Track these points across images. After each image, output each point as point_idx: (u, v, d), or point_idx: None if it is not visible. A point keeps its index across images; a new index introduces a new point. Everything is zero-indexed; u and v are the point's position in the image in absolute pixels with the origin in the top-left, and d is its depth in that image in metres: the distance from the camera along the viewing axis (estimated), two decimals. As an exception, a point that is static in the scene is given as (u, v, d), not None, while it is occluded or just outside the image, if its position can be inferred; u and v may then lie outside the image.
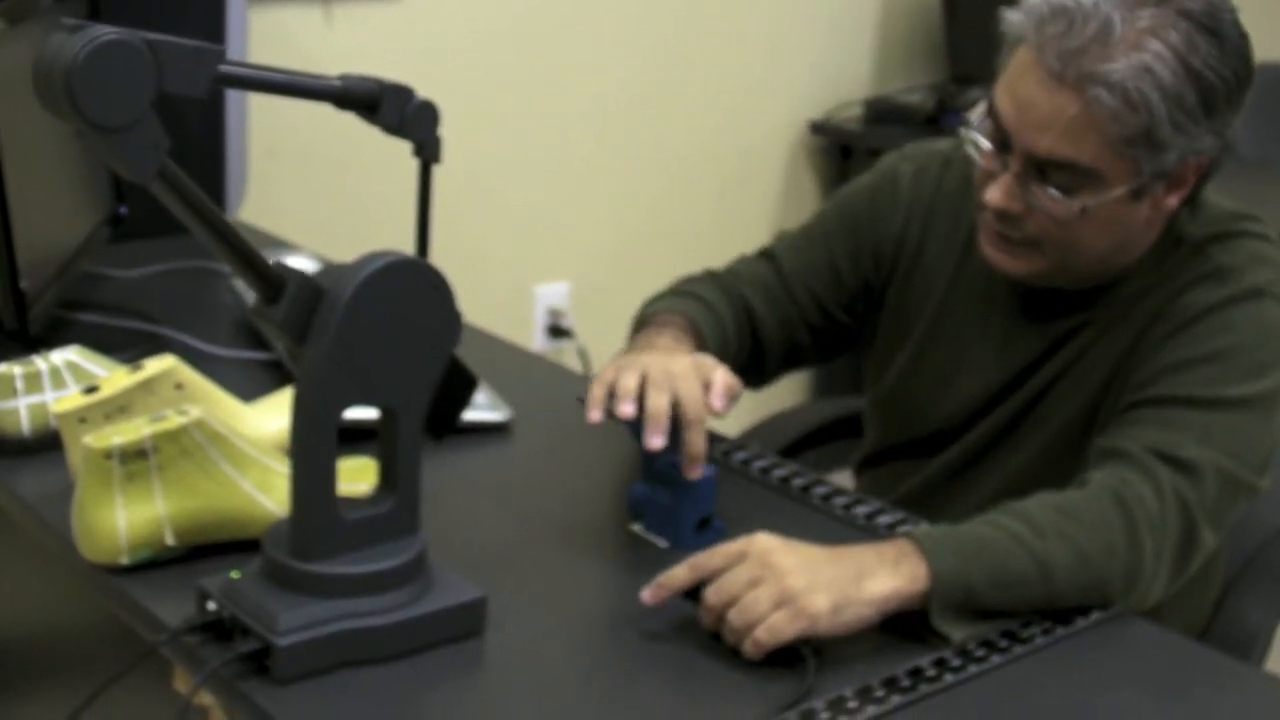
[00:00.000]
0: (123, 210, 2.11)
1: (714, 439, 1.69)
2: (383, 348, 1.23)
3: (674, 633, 1.32)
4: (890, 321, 1.74)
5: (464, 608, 1.29)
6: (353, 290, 1.21)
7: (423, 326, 1.25)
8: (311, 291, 1.21)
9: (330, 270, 1.24)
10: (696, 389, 1.44)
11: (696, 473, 1.43)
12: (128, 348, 1.83)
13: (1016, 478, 1.62)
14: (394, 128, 1.30)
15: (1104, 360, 1.57)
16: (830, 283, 1.75)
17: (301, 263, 2.09)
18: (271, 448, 1.47)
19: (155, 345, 1.84)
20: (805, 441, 2.10)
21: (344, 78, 1.27)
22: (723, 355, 1.64)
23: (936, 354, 1.69)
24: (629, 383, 1.46)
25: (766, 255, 1.80)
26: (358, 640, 1.24)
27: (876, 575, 1.29)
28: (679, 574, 1.31)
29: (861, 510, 1.54)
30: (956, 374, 1.68)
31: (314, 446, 1.24)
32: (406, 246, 1.40)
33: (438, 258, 3.07)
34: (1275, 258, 1.56)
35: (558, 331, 3.15)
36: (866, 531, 1.50)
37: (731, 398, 1.47)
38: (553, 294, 3.16)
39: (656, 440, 1.41)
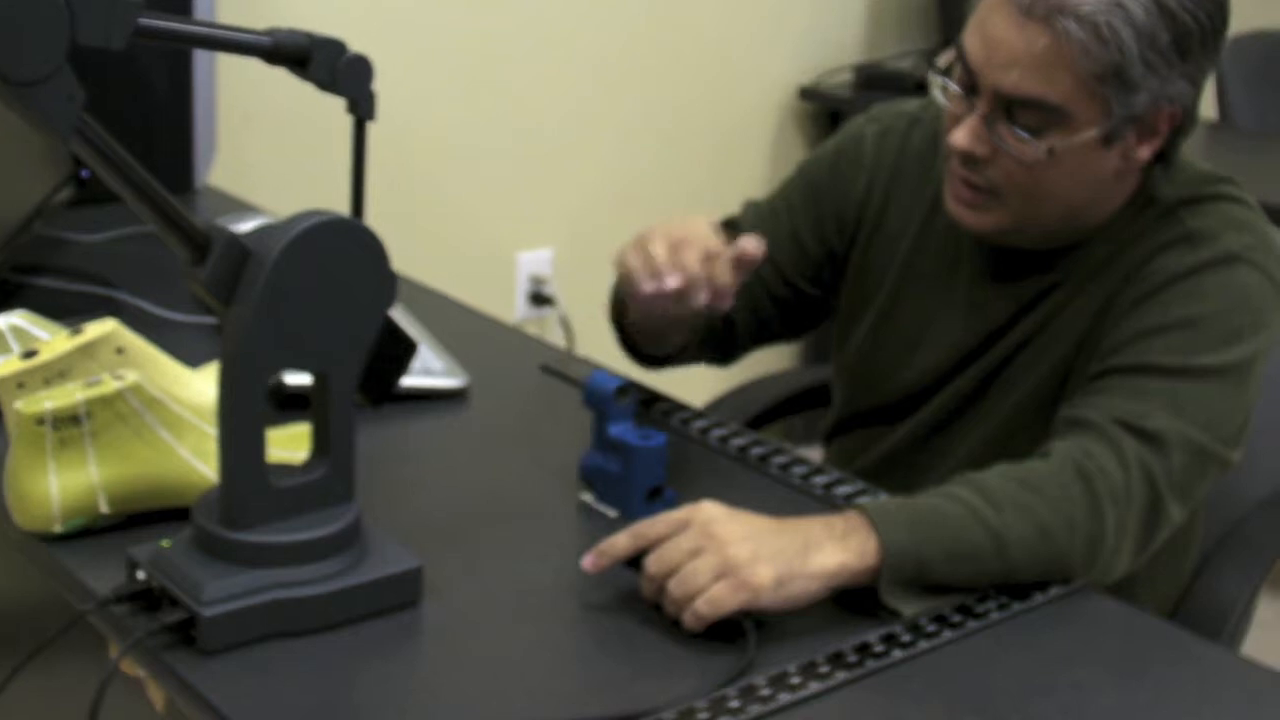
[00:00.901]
0: (84, 173, 2.07)
1: (671, 408, 1.66)
2: (312, 310, 1.19)
3: (616, 604, 1.28)
4: (854, 285, 1.70)
5: (399, 578, 1.25)
6: (281, 250, 1.17)
7: (355, 289, 1.21)
8: (239, 251, 1.17)
9: (259, 230, 1.20)
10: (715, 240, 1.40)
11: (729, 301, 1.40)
12: (82, 312, 1.80)
13: (984, 445, 1.58)
14: (326, 83, 1.26)
15: (1073, 324, 1.53)
16: (793, 252, 1.70)
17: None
18: (213, 414, 1.43)
19: (111, 310, 1.80)
20: (778, 410, 2.06)
21: (272, 32, 1.23)
22: (691, 329, 1.60)
23: (902, 317, 1.65)
24: (660, 251, 1.38)
25: (730, 226, 1.76)
26: (287, 611, 1.20)
27: (823, 548, 1.25)
28: (620, 541, 1.27)
29: (820, 480, 1.50)
30: (922, 338, 1.64)
31: (242, 412, 1.20)
32: (379, 212, 1.36)
33: (418, 224, 3.04)
34: (1250, 221, 1.51)
35: (540, 299, 3.10)
36: (824, 502, 1.47)
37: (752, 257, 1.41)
38: (535, 261, 3.11)
39: (672, 280, 1.36)
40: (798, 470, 1.52)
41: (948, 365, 1.61)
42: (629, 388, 1.43)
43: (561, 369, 1.75)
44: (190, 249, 1.17)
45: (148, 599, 1.23)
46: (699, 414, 1.64)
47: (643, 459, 1.41)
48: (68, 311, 1.79)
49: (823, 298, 1.73)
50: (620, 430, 1.42)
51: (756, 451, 1.56)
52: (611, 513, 1.43)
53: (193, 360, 1.54)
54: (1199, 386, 1.43)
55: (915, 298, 1.64)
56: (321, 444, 1.25)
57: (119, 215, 2.14)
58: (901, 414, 1.66)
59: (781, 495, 1.49)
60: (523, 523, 1.42)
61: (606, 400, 1.42)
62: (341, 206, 2.03)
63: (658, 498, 1.43)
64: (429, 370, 1.66)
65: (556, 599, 1.30)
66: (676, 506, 1.38)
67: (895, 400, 1.66)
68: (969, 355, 1.60)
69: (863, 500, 1.45)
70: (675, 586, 1.23)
